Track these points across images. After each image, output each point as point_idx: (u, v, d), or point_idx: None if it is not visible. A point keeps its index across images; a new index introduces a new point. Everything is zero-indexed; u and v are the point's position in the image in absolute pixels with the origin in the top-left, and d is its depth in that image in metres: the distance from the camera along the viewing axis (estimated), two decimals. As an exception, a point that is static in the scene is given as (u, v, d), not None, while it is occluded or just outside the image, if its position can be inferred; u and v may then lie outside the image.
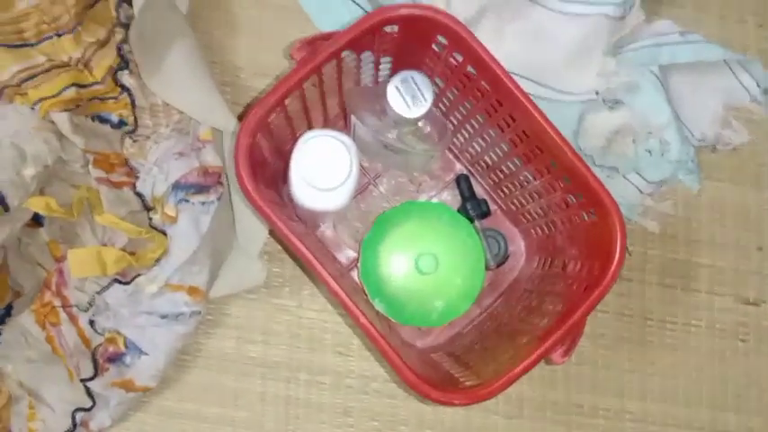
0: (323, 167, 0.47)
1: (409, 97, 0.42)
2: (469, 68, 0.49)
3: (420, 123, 0.45)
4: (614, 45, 0.62)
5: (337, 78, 0.52)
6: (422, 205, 0.58)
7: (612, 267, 0.45)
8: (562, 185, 0.50)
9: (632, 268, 0.63)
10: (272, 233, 0.60)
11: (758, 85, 0.65)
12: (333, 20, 0.61)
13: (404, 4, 0.46)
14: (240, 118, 0.59)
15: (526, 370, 0.44)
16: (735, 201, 0.65)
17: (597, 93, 0.61)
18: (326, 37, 0.47)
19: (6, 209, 0.52)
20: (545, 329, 0.47)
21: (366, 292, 0.56)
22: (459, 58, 0.49)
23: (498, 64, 0.46)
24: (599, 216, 0.47)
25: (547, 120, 0.45)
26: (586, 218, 0.49)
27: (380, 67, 0.54)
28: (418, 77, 0.43)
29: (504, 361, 0.47)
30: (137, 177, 0.58)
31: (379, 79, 0.56)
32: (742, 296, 0.64)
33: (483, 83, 0.49)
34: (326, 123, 0.58)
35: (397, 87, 0.42)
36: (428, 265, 0.53)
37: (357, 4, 0.60)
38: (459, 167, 0.61)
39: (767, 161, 0.66)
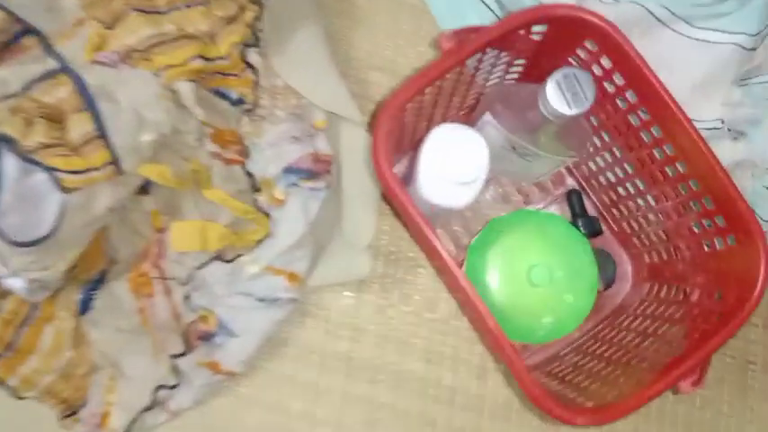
0: (457, 161, 0.45)
1: (570, 94, 0.41)
2: (615, 80, 0.48)
3: (570, 125, 0.44)
4: (742, 76, 0.60)
5: (471, 76, 0.51)
6: (538, 215, 0.56)
7: (754, 296, 0.43)
8: (695, 210, 0.49)
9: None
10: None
11: None
12: (459, 22, 0.60)
13: (561, 4, 0.45)
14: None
15: (657, 394, 0.42)
16: None
17: (723, 122, 0.60)
18: (473, 30, 0.46)
19: (120, 172, 0.52)
20: (673, 357, 0.45)
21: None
22: (600, 69, 0.49)
23: (654, 74, 0.45)
24: (741, 243, 0.45)
25: (702, 138, 0.44)
26: (722, 245, 0.47)
27: (512, 69, 0.53)
28: (581, 75, 0.41)
29: (625, 385, 0.45)
30: (248, 157, 0.57)
31: (506, 81, 0.55)
32: None
33: (625, 96, 0.48)
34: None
35: (558, 83, 0.41)
36: (541, 278, 0.52)
37: (487, 6, 0.60)
38: (570, 182, 0.60)
39: None
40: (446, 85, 0.49)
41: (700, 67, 0.60)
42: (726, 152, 0.60)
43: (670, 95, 0.45)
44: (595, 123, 0.53)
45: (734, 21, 0.59)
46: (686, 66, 0.60)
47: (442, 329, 0.59)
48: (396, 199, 0.43)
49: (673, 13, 0.60)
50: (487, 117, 0.48)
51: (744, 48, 0.59)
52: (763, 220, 0.61)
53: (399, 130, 0.51)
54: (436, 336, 0.59)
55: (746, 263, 0.44)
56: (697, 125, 0.60)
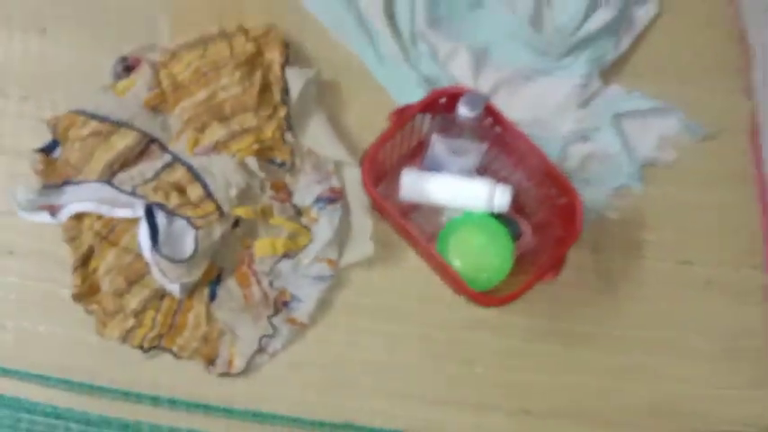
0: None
1: (469, 106, 0.78)
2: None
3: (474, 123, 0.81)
4: (584, 101, 0.99)
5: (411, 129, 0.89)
6: (479, 215, 0.92)
7: (577, 227, 0.81)
8: (547, 188, 0.86)
9: (601, 241, 0.98)
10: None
11: (681, 123, 1.01)
12: (406, 96, 0.98)
13: (451, 87, 0.84)
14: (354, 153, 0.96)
15: (529, 286, 0.80)
16: (671, 198, 1.00)
17: (573, 132, 0.98)
18: (409, 107, 0.85)
19: (222, 214, 0.90)
20: (541, 261, 0.82)
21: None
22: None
23: (508, 122, 0.83)
24: (569, 199, 0.83)
25: (541, 153, 0.82)
26: (560, 201, 0.85)
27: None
28: (478, 96, 0.78)
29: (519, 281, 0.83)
30: (292, 196, 0.95)
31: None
32: (679, 259, 0.98)
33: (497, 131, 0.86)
34: (402, 156, 0.95)
35: (466, 98, 0.77)
36: (479, 254, 0.89)
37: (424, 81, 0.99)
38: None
39: (689, 170, 1.01)
40: (403, 135, 0.87)
41: (555, 99, 0.98)
42: (578, 150, 0.98)
43: (517, 131, 0.83)
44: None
45: (571, 70, 0.98)
46: (547, 100, 0.98)
47: (425, 280, 0.96)
48: (379, 206, 0.80)
49: (535, 70, 0.99)
50: (434, 136, 0.86)
51: (580, 85, 0.97)
52: (610, 188, 0.98)
53: (379, 165, 0.89)
54: (421, 285, 0.96)
55: (571, 209, 0.82)
56: (558, 135, 0.99)
